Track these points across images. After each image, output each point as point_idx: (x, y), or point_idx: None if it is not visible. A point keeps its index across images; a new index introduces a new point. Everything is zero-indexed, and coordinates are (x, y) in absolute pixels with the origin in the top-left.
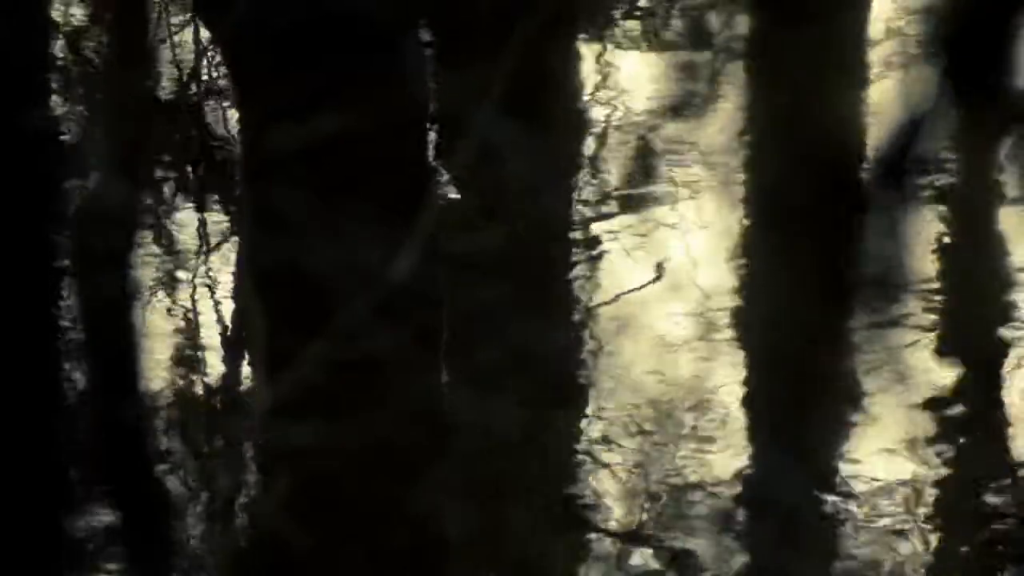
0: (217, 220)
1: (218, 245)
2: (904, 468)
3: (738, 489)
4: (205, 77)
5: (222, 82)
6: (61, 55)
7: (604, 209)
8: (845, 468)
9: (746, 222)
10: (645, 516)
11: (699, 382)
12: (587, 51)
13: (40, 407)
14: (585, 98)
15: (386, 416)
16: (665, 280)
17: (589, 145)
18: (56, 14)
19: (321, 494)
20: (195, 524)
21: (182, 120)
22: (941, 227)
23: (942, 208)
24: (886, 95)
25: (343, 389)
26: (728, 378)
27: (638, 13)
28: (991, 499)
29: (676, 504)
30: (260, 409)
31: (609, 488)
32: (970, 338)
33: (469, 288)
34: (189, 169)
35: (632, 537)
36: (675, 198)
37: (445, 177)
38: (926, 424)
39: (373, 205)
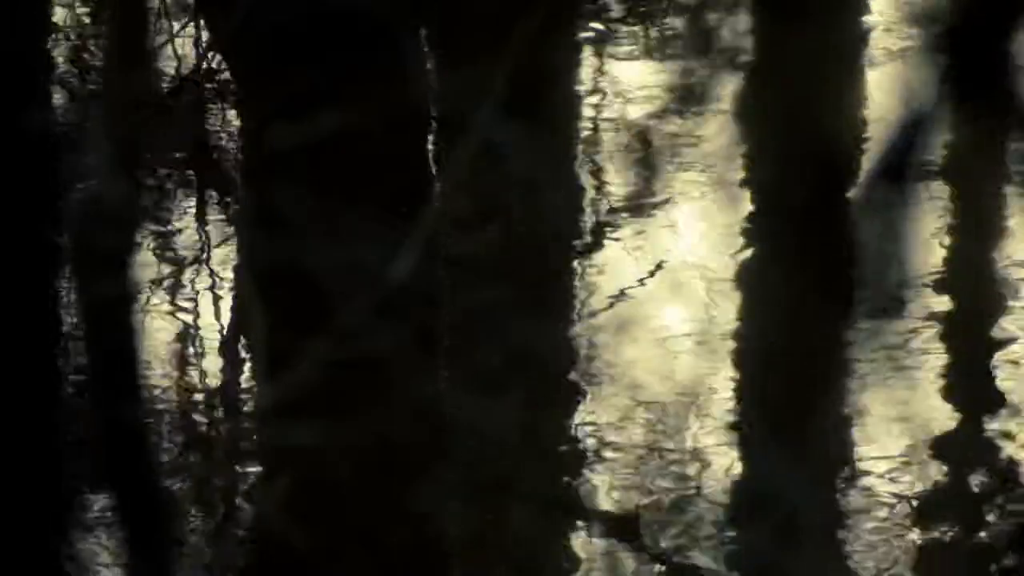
0: (217, 220)
1: (218, 245)
2: (904, 468)
3: (738, 489)
4: (205, 76)
5: (222, 80)
6: (61, 55)
7: (604, 208)
8: (845, 468)
9: (746, 221)
10: (644, 516)
11: (699, 382)
12: (587, 50)
13: (39, 407)
14: (585, 97)
15: (386, 416)
16: (665, 280)
17: (589, 144)
18: (57, 14)
19: (321, 494)
20: (195, 524)
21: (182, 120)
22: (941, 226)
23: (942, 207)
24: (886, 95)
25: (343, 389)
26: (728, 378)
27: (638, 12)
28: (991, 498)
29: (676, 504)
30: (260, 409)
31: (608, 488)
32: (971, 337)
33: (469, 288)
34: (189, 169)
35: (631, 537)
36: (675, 197)
37: (445, 176)
38: (927, 423)
39: (373, 205)
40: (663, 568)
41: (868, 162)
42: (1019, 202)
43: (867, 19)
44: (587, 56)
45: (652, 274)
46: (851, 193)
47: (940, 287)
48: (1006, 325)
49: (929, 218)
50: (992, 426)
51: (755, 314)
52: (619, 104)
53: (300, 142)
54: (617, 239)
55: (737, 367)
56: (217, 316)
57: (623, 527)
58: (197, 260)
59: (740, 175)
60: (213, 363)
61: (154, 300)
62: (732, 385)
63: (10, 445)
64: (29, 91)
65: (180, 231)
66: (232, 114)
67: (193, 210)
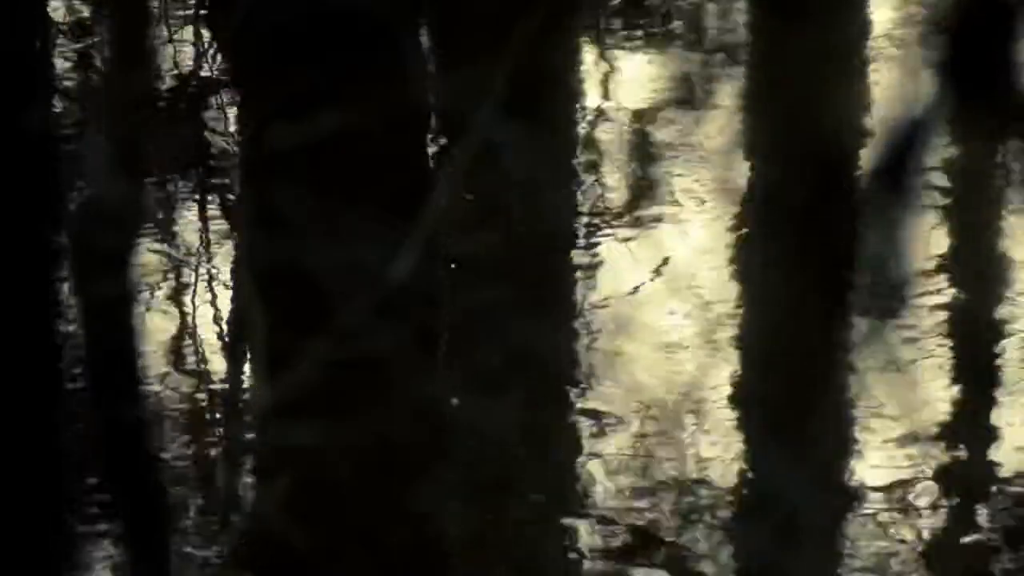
0: (217, 220)
1: (218, 245)
2: (904, 468)
3: (738, 489)
4: (205, 76)
5: (222, 80)
6: (61, 55)
7: (604, 208)
8: (845, 468)
9: (746, 222)
10: (644, 516)
11: (699, 382)
12: (587, 50)
13: (39, 407)
14: (585, 97)
15: (386, 416)
16: (665, 280)
17: (589, 144)
18: (56, 14)
19: (321, 494)
20: (195, 524)
21: (182, 120)
22: (941, 228)
23: (942, 209)
24: (886, 95)
25: (343, 389)
26: (728, 378)
27: (639, 12)
28: (991, 498)
29: (676, 504)
30: (260, 409)
31: (608, 488)
32: (970, 336)
33: (469, 288)
34: (189, 169)
35: (631, 537)
36: (675, 197)
37: (445, 176)
38: (926, 424)
39: (373, 205)
40: (663, 568)
41: (868, 162)
42: (1020, 202)
43: (867, 19)
44: (587, 55)
45: (652, 274)
46: (851, 193)
47: (940, 287)
48: (1007, 326)
49: (929, 218)
50: (992, 426)
51: (755, 315)
52: (619, 104)
53: (300, 142)
54: (617, 239)
55: (737, 367)
56: (217, 316)
57: (623, 526)
58: (197, 260)
59: (740, 175)
60: (213, 363)
61: (154, 300)
62: (732, 385)
63: (10, 445)
64: (29, 91)
65: (180, 231)
66: (232, 114)
67: (193, 210)
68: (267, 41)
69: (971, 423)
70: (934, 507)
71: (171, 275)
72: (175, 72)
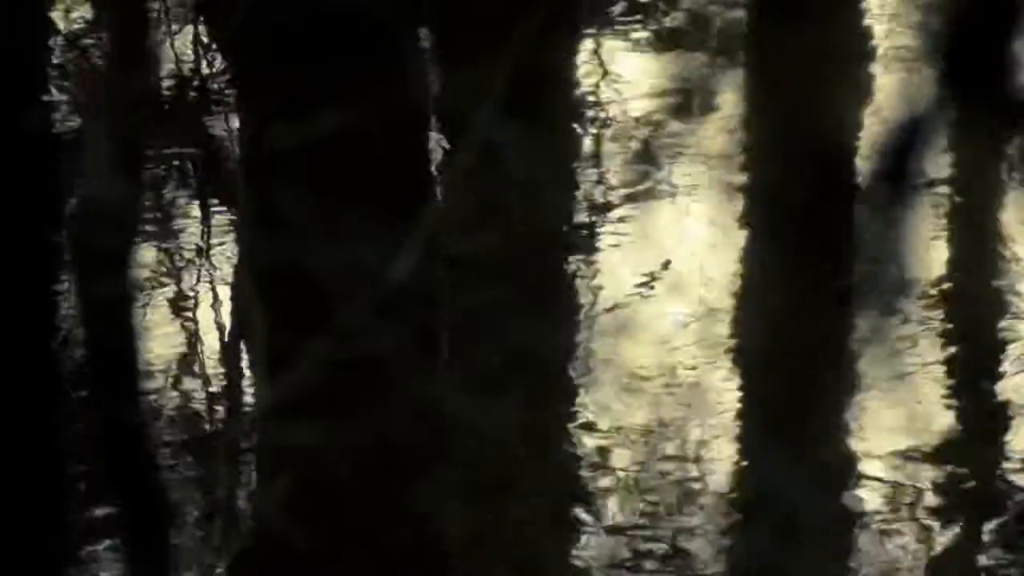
0: (217, 219)
1: (218, 244)
2: (904, 467)
3: (738, 489)
4: (205, 76)
5: (222, 80)
6: (61, 54)
7: (604, 208)
8: (845, 467)
9: (746, 221)
10: (644, 516)
11: (699, 382)
12: (587, 49)
13: (39, 407)
14: (585, 97)
15: (386, 416)
16: (665, 280)
17: (589, 144)
18: (57, 14)
19: (321, 494)
20: (195, 524)
21: (182, 119)
22: (941, 227)
23: (942, 208)
24: (886, 95)
25: (343, 389)
26: (728, 378)
27: (639, 11)
28: (991, 499)
29: (675, 504)
30: (260, 409)
31: (608, 488)
32: (970, 336)
33: (469, 288)
34: (189, 169)
35: (630, 537)
36: (675, 197)
37: (445, 176)
38: (926, 423)
39: (373, 205)
40: (663, 568)
41: (868, 162)
42: (1020, 203)
43: (867, 19)
44: (587, 54)
45: (652, 274)
46: (851, 193)
47: (941, 287)
48: (1007, 325)
49: (929, 218)
50: (992, 425)
51: (755, 314)
52: (620, 103)
53: (300, 142)
54: (617, 239)
55: (737, 367)
56: (217, 316)
57: (623, 526)
58: (197, 260)
59: (740, 175)
60: (213, 363)
61: (154, 300)
62: (732, 385)
63: (10, 446)
64: (29, 91)
65: (180, 231)
66: (232, 114)
67: (193, 210)
68: (267, 41)
69: (972, 422)
70: (934, 503)
71: (171, 275)
72: (175, 72)
